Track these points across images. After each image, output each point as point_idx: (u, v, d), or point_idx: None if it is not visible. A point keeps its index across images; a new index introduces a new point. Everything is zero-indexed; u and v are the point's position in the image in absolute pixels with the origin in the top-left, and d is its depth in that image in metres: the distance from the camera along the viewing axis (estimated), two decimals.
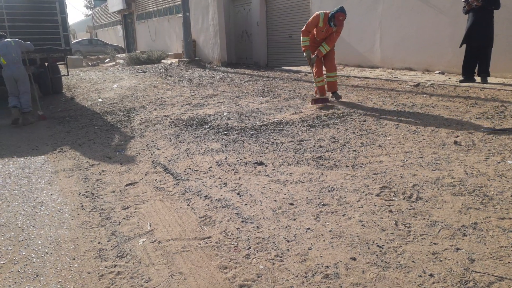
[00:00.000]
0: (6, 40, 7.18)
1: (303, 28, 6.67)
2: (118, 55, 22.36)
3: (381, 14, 10.13)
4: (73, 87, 11.32)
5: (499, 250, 2.35)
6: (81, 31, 45.20)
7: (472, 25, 7.02)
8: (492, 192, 3.11)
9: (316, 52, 6.66)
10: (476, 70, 7.36)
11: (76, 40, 28.53)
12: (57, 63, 9.97)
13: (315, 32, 6.67)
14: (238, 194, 3.41)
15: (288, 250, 2.50)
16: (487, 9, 6.83)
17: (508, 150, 3.97)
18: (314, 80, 6.94)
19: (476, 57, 7.19)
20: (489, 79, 7.23)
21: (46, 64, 9.61)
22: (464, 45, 7.29)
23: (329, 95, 7.01)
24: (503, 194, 3.06)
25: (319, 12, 6.50)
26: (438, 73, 8.85)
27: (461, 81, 7.39)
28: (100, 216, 3.20)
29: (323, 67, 6.94)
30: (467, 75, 7.38)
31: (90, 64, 20.77)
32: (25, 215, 3.28)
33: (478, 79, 7.32)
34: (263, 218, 2.95)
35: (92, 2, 47.50)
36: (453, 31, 8.40)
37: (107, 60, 21.58)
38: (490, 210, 2.83)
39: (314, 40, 6.76)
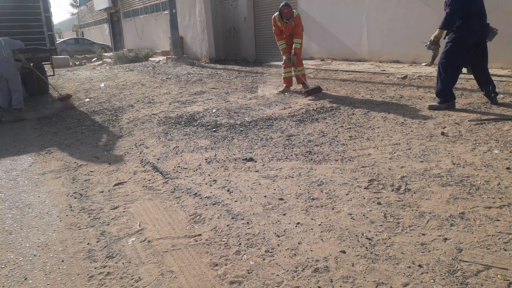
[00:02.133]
0: None
1: (274, 32, 7.33)
2: (105, 54, 22.13)
3: (368, 6, 10.15)
4: (60, 87, 11.18)
5: (486, 239, 2.38)
6: (67, 30, 44.60)
7: None
8: (479, 182, 3.14)
9: (293, 51, 7.16)
10: None
11: (62, 40, 28.19)
12: (43, 63, 9.83)
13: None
14: (228, 190, 3.41)
15: (278, 245, 2.50)
16: None
17: (494, 140, 4.02)
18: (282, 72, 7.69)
19: None
20: None
21: (31, 64, 9.46)
22: None
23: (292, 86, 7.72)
24: (489, 183, 3.10)
25: (274, 15, 7.14)
26: (425, 65, 8.91)
27: None
28: (89, 216, 3.17)
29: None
30: None
31: (77, 63, 20.54)
32: (12, 218, 3.24)
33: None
34: (253, 214, 2.94)
35: (78, 0, 46.92)
36: (439, 23, 8.43)
37: (94, 59, 21.37)
38: (477, 200, 2.87)
39: (287, 38, 7.27)
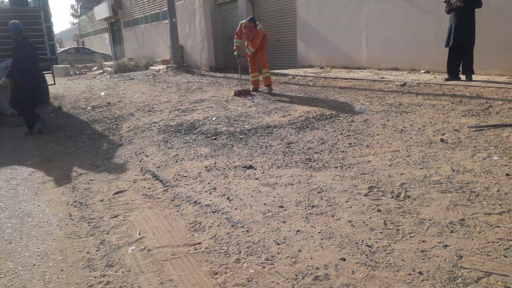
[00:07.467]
0: None
1: (236, 32, 8.58)
2: (106, 63, 22.22)
3: (367, 15, 10.22)
4: (60, 96, 11.22)
5: (486, 245, 2.37)
6: (68, 39, 44.87)
7: (454, 24, 7.12)
8: (479, 188, 3.14)
9: (243, 53, 8.70)
10: (460, 69, 7.45)
11: (62, 49, 28.31)
12: (43, 72, 9.86)
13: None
14: (228, 198, 3.40)
15: (278, 253, 2.50)
16: (468, 9, 6.93)
17: (493, 146, 4.03)
18: (250, 76, 9.06)
19: (460, 55, 7.28)
20: (474, 77, 7.33)
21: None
22: None
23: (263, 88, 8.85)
24: (489, 190, 3.10)
25: (242, 21, 8.38)
26: (424, 72, 8.95)
27: (446, 80, 7.47)
28: (89, 225, 3.17)
29: (258, 65, 8.92)
30: (452, 74, 7.47)
31: (77, 72, 20.61)
32: (12, 227, 3.23)
33: (463, 77, 7.41)
34: (253, 221, 2.94)
35: (78, 10, 47.24)
36: (437, 31, 8.50)
37: (94, 68, 21.43)
38: (477, 206, 2.86)
39: (246, 44, 8.61)
